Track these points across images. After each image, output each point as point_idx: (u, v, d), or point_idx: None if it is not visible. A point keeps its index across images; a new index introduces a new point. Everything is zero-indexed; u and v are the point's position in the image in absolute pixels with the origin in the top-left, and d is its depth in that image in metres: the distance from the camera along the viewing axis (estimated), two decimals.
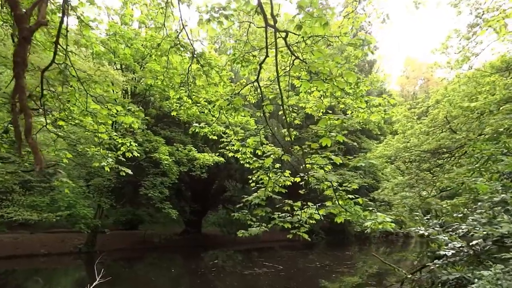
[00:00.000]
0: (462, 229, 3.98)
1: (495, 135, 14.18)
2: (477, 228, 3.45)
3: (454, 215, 5.03)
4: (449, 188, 19.47)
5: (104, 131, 7.82)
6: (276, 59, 5.84)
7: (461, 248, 3.44)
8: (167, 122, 20.80)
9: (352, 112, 8.23)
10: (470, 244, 3.33)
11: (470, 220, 3.74)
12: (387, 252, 26.30)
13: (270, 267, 15.50)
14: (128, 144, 8.07)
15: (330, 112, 7.34)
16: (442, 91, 16.07)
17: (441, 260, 3.93)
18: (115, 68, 17.16)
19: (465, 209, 4.89)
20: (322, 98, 8.20)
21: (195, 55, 7.59)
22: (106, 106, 7.37)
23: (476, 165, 18.67)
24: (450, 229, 4.19)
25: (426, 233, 4.11)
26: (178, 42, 7.49)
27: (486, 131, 14.37)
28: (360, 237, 29.76)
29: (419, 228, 4.19)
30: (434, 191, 19.33)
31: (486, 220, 3.56)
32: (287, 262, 18.14)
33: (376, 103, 7.87)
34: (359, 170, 25.24)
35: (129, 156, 8.24)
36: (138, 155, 8.27)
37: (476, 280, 2.96)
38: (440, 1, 28.57)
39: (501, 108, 14.02)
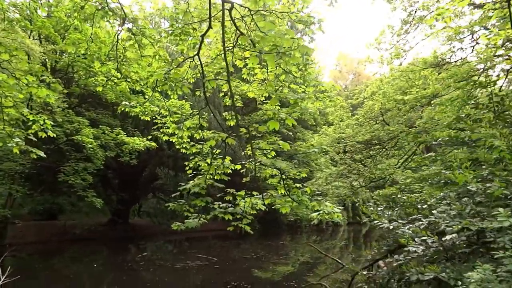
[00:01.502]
0: (425, 222, 3.65)
1: (425, 127, 14.76)
2: (447, 221, 3.10)
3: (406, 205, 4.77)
4: (377, 179, 20.24)
5: (12, 105, 6.53)
6: (222, 27, 5.10)
7: (432, 244, 3.07)
8: (93, 103, 19.04)
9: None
10: (443, 239, 2.96)
11: (437, 212, 3.40)
12: (318, 241, 26.90)
13: (203, 259, 14.80)
14: (42, 122, 6.83)
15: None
16: (378, 84, 16.38)
17: (402, 256, 3.57)
18: (32, 38, 15.12)
19: (421, 201, 4.65)
20: (265, 81, 7.63)
21: (126, 21, 6.56)
22: (13, 75, 6.10)
23: (405, 156, 19.49)
24: (413, 222, 3.86)
25: (391, 227, 3.73)
26: (106, 4, 6.41)
27: (418, 123, 14.88)
28: (292, 226, 30.18)
29: (382, 221, 3.79)
30: (363, 181, 19.92)
31: (455, 212, 3.23)
32: (221, 253, 17.58)
33: (323, 88, 7.47)
34: (294, 160, 25.37)
35: (43, 137, 7.01)
36: (54, 135, 7.06)
37: (459, 283, 2.60)
38: None
39: (432, 102, 14.58)
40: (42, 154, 6.35)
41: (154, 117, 8.31)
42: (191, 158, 7.45)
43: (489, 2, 14.44)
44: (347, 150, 18.49)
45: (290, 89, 7.19)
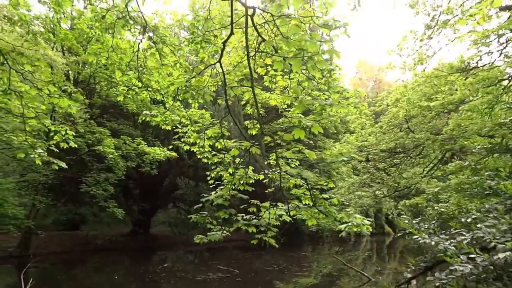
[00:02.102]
0: (468, 236, 3.33)
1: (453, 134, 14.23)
2: (497, 237, 2.79)
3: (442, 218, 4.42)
4: (402, 188, 19.65)
5: (34, 116, 6.50)
6: (246, 31, 4.91)
7: (481, 262, 2.76)
8: (114, 114, 19.21)
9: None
10: (495, 257, 2.65)
11: (484, 226, 3.08)
12: (340, 251, 26.29)
13: (225, 271, 14.54)
14: (64, 133, 6.78)
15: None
16: (402, 90, 15.95)
17: (445, 274, 3.25)
18: (55, 50, 15.38)
19: (462, 213, 4.30)
20: (287, 88, 7.42)
21: (146, 30, 6.48)
22: (35, 85, 6.08)
23: (430, 165, 18.87)
24: (454, 236, 3.54)
25: (433, 242, 3.42)
26: (127, 13, 6.34)
27: (445, 130, 14.36)
28: (313, 236, 29.61)
29: (422, 236, 3.49)
30: (387, 190, 19.37)
31: (506, 227, 2.92)
32: (243, 264, 17.28)
33: (348, 94, 7.20)
34: (315, 169, 24.96)
35: (65, 147, 6.95)
36: (76, 146, 7.00)
37: None
38: (397, 2, 29.11)
39: (460, 108, 14.06)
40: (63, 165, 6.28)
41: (174, 127, 8.20)
42: (212, 168, 7.28)
43: None
44: (370, 158, 18.05)
45: (312, 97, 6.95)
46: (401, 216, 4.76)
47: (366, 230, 5.38)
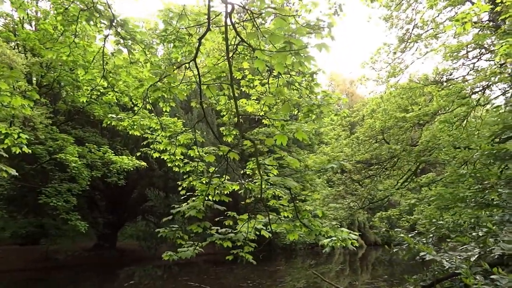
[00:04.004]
0: (476, 252, 2.94)
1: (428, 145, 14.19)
2: None
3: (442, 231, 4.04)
4: (376, 200, 19.56)
5: None
6: (225, 26, 4.42)
7: (505, 284, 2.35)
8: (80, 121, 18.20)
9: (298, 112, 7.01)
10: None
11: (503, 241, 2.69)
12: (313, 265, 25.93)
13: (195, 287, 13.77)
14: (16, 136, 6.02)
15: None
16: (378, 101, 15.89)
17: None
18: (17, 51, 14.38)
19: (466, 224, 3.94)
20: (266, 93, 6.97)
21: (114, 24, 5.86)
22: None
23: (404, 177, 18.85)
24: (462, 253, 3.14)
25: (439, 259, 2.97)
26: (92, 5, 5.70)
27: (421, 141, 14.33)
28: (286, 249, 29.14)
29: (431, 253, 3.06)
30: (362, 203, 19.22)
31: None
32: (214, 280, 16.51)
33: (332, 100, 6.80)
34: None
35: (17, 152, 6.17)
36: (30, 151, 6.24)
37: None
38: (372, 15, 29.50)
39: (436, 119, 14.08)
40: (13, 172, 5.52)
41: (144, 134, 7.56)
42: (184, 177, 6.68)
43: (484, 21, 14.23)
44: (346, 169, 17.86)
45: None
46: (396, 230, 4.39)
47: (353, 245, 4.95)
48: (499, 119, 12.08)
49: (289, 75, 5.87)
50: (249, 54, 6.90)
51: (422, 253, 3.19)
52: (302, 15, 6.58)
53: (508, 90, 14.73)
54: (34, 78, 16.80)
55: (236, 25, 5.22)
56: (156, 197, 21.16)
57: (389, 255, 31.62)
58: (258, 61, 4.48)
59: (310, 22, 5.62)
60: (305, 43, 4.13)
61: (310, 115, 4.47)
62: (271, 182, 4.36)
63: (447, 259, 3.00)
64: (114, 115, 6.85)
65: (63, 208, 14.86)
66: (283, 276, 19.57)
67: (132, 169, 15.88)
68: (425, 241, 3.91)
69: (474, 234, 3.41)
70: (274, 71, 6.18)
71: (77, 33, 6.78)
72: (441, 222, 4.30)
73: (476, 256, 3.04)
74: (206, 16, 6.09)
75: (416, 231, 4.78)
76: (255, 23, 5.17)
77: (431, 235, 4.07)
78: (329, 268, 24.28)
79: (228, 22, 4.73)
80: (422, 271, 3.86)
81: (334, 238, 4.99)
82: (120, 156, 15.34)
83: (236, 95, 8.20)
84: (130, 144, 19.57)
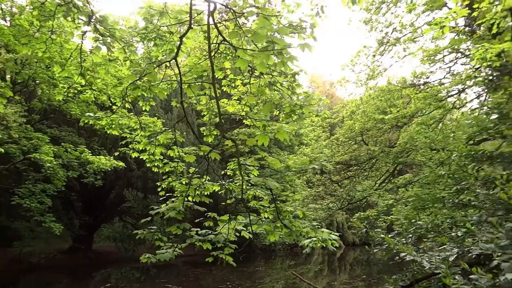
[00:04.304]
0: (454, 252, 2.99)
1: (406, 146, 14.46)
2: (499, 254, 2.43)
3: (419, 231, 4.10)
4: (355, 201, 19.80)
5: None
6: (208, 24, 4.36)
7: (484, 284, 2.38)
8: (56, 120, 17.73)
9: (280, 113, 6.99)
10: (502, 278, 2.27)
11: (481, 241, 2.73)
12: (292, 265, 26.05)
13: None
14: None
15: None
16: (357, 103, 16.09)
17: None
18: None
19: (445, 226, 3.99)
20: (247, 94, 6.92)
21: (92, 20, 5.70)
22: None
23: (382, 178, 19.13)
24: (440, 253, 3.18)
25: (426, 264, 2.99)
26: (70, 0, 5.54)
27: (398, 143, 14.57)
28: (265, 250, 29.16)
29: (412, 253, 3.08)
30: (341, 203, 19.43)
31: (507, 241, 2.58)
32: (193, 282, 16.36)
33: (314, 101, 6.81)
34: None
35: None
36: (2, 150, 6.01)
37: None
38: (352, 18, 30.00)
39: (413, 121, 14.36)
40: None
41: (123, 134, 7.40)
42: (164, 178, 6.57)
43: (461, 26, 14.61)
44: (325, 170, 18.02)
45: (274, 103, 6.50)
46: (376, 230, 4.41)
47: (333, 245, 4.97)
48: (474, 122, 12.41)
49: (271, 76, 5.86)
50: (231, 54, 6.84)
51: (403, 254, 3.22)
52: (284, 15, 6.57)
53: (482, 94, 15.18)
54: (8, 76, 16.29)
55: (218, 25, 5.17)
56: (134, 198, 20.81)
57: (367, 255, 32.07)
58: (240, 61, 4.43)
59: (292, 23, 5.60)
60: (287, 43, 4.11)
61: (292, 115, 4.46)
62: (253, 183, 4.32)
63: (427, 260, 3.03)
64: (92, 114, 6.68)
65: (37, 210, 14.40)
66: (262, 277, 19.57)
67: (109, 169, 15.56)
68: (404, 241, 3.96)
69: (453, 234, 3.47)
70: (256, 71, 6.15)
71: (53, 29, 6.60)
72: (420, 222, 4.37)
73: (454, 256, 3.09)
74: (188, 15, 6.02)
75: (395, 231, 4.83)
76: (237, 22, 5.14)
77: (410, 235, 4.13)
78: (308, 269, 24.43)
79: (211, 21, 4.69)
80: (399, 271, 3.90)
81: (314, 238, 4.99)
82: (98, 156, 15.00)
83: (218, 95, 8.14)
84: (108, 144, 19.20)
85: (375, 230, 4.30)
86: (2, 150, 6.17)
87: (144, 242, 17.68)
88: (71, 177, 15.69)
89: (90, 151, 15.21)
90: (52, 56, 6.39)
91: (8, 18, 16.29)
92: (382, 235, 3.90)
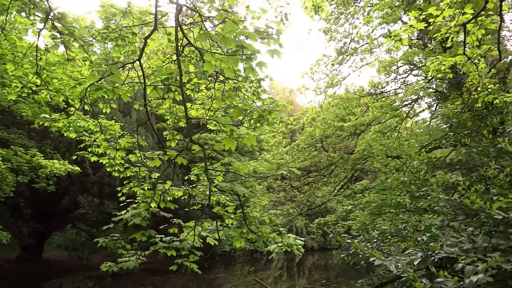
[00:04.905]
0: (418, 256, 3.08)
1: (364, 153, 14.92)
2: (462, 257, 2.53)
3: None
4: (315, 206, 20.13)
5: None
6: (176, 26, 4.27)
7: (451, 287, 2.46)
8: (5, 121, 16.70)
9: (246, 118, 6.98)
10: (467, 281, 2.36)
11: (446, 245, 2.84)
12: (252, 271, 25.97)
13: None
14: None
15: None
16: (317, 110, 16.43)
17: None
18: None
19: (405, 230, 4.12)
20: (211, 98, 6.85)
21: (50, 17, 5.43)
22: None
23: (340, 184, 19.55)
24: (406, 257, 3.27)
25: (393, 268, 3.04)
26: None
27: (357, 150, 15.01)
28: (225, 256, 28.91)
29: (380, 259, 3.13)
30: (301, 209, 19.72)
31: (469, 245, 2.69)
32: None
33: (278, 108, 6.85)
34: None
35: None
36: None
37: None
38: (312, 27, 30.66)
39: (370, 129, 14.86)
40: None
41: (79, 136, 7.10)
42: (125, 183, 6.35)
43: (414, 39, 15.35)
44: (286, 176, 18.23)
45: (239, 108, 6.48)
46: (342, 235, 4.47)
47: (298, 250, 5.01)
48: (425, 131, 13.05)
49: (236, 81, 5.84)
50: (195, 57, 6.76)
51: (372, 258, 3.28)
52: (250, 21, 6.59)
53: (432, 104, 16.02)
54: None
55: (183, 27, 5.10)
56: (89, 204, 19.95)
57: (325, 260, 32.63)
58: (207, 64, 4.37)
59: (259, 29, 5.61)
60: (257, 49, 4.12)
61: (260, 121, 4.46)
62: (220, 188, 4.26)
63: (394, 264, 3.11)
64: (47, 116, 6.35)
65: None
66: (222, 283, 19.38)
67: (63, 174, 14.83)
68: (370, 246, 4.06)
69: (419, 238, 3.59)
70: (220, 76, 6.11)
71: (4, 25, 6.22)
72: (384, 227, 4.50)
73: (418, 259, 3.19)
74: (151, 16, 5.89)
75: (356, 236, 4.94)
76: (203, 25, 5.09)
77: (375, 240, 4.24)
78: (268, 274, 24.47)
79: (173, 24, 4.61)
80: (360, 275, 3.97)
81: (280, 244, 5.01)
82: (51, 160, 14.25)
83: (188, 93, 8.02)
84: (62, 147, 18.33)
85: (341, 235, 4.37)
86: None
87: (99, 250, 17.01)
88: (21, 182, 14.81)
89: (42, 155, 14.42)
90: (4, 53, 6.01)
91: None
92: (348, 240, 3.97)
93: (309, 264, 31.01)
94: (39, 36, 5.45)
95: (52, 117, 6.18)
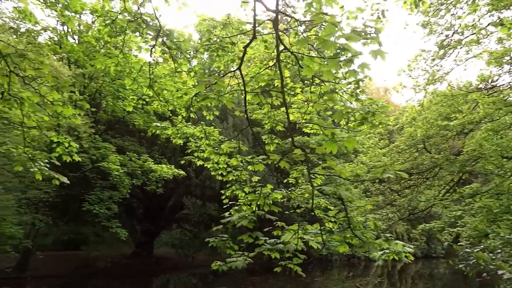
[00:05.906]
0: None
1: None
2: None
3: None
4: (418, 211, 18.82)
5: (35, 126, 5.94)
6: (276, 30, 4.35)
7: None
8: (120, 130, 18.68)
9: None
10: None
11: None
12: (350, 277, 25.25)
13: None
14: (67, 145, 6.19)
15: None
16: (418, 109, 15.38)
17: None
18: (62, 63, 14.99)
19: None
20: (307, 101, 6.82)
21: (160, 34, 5.93)
22: (37, 91, 5.52)
23: (446, 187, 18.04)
24: None
25: None
26: (139, 15, 5.80)
27: (465, 151, 13.72)
28: (322, 260, 28.56)
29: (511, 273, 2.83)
30: (402, 213, 18.60)
31: None
32: None
33: (381, 108, 6.57)
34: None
35: (67, 161, 6.35)
36: (79, 160, 6.40)
37: None
38: (409, 22, 28.95)
39: (482, 127, 13.46)
40: (65, 180, 5.65)
41: (184, 143, 7.60)
42: (228, 186, 6.65)
43: None
44: (385, 180, 17.37)
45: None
46: (459, 244, 4.11)
47: (409, 259, 4.72)
48: None
49: (333, 83, 5.74)
50: (291, 62, 6.81)
51: (501, 271, 2.95)
52: (346, 22, 6.45)
53: None
54: (76, 89, 17.44)
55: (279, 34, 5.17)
56: (193, 205, 21.31)
57: (429, 268, 30.35)
58: (306, 69, 4.36)
59: (356, 29, 5.46)
60: (358, 50, 4.00)
61: (364, 123, 4.32)
62: (323, 192, 4.22)
63: None
64: (158, 124, 6.93)
65: (104, 215, 15.22)
66: (320, 287, 19.18)
67: (170, 177, 16.10)
68: (494, 257, 3.64)
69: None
70: (316, 79, 6.06)
71: (119, 45, 6.95)
72: (509, 236, 4.00)
73: None
74: (248, 25, 6.10)
75: (471, 244, 4.49)
76: (298, 30, 5.11)
77: (499, 251, 3.78)
78: (367, 281, 23.56)
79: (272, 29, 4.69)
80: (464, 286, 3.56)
81: (387, 251, 4.79)
82: (160, 165, 15.60)
83: (279, 103, 8.16)
84: (168, 153, 19.89)
85: (459, 244, 4.01)
86: (80, 159, 6.58)
87: (203, 249, 17.95)
88: (135, 184, 16.41)
89: (152, 160, 15.86)
90: (123, 69, 6.73)
91: (76, 36, 17.48)
92: (467, 250, 3.62)
93: (412, 272, 29.12)
94: (151, 52, 6.00)
95: (163, 125, 6.72)
